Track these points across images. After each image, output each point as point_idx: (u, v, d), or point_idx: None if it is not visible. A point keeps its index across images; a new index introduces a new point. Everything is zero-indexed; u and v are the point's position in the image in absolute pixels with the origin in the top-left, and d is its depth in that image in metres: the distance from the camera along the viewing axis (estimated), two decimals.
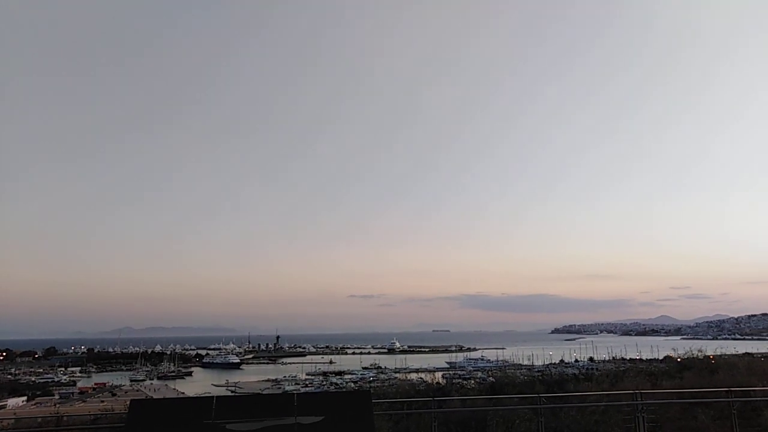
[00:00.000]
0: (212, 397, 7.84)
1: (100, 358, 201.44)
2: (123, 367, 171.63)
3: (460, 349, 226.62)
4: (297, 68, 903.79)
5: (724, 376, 14.34)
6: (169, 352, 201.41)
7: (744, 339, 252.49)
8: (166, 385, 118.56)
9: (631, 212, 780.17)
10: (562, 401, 12.56)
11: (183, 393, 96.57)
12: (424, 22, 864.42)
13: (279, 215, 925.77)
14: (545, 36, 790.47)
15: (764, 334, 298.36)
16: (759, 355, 31.92)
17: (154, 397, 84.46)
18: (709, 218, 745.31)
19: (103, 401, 72.59)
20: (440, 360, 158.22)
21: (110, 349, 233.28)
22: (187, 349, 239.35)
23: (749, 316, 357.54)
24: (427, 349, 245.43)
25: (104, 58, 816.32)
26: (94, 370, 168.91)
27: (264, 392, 74.36)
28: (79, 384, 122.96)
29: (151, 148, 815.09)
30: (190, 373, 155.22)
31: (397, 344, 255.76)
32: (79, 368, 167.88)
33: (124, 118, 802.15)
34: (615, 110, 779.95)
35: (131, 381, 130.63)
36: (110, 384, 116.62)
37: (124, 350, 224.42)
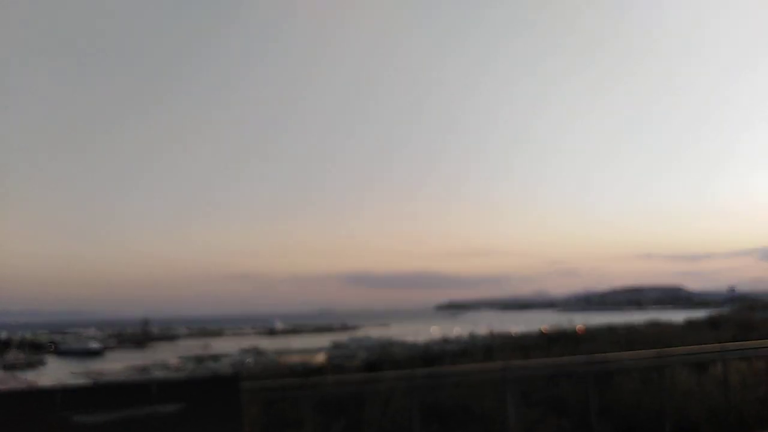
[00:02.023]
0: (58, 387, 6.75)
1: None
2: None
3: (345, 328, 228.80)
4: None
5: (586, 346, 15.63)
6: (17, 339, 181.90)
7: (608, 311, 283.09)
8: (13, 375, 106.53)
9: (508, 191, 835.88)
10: (438, 377, 12.81)
11: (35, 384, 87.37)
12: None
13: (136, 183, 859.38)
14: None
15: (625, 305, 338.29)
16: (620, 326, 36.01)
17: (3, 389, 75.36)
18: (577, 197, 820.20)
19: None
20: (325, 340, 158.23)
21: None
22: (38, 335, 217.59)
23: (613, 290, 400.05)
24: (310, 329, 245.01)
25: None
26: None
27: (134, 379, 69.42)
28: None
29: None
30: (43, 362, 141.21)
31: (279, 324, 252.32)
32: None
33: None
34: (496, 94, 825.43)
35: None
36: None
37: None
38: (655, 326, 31.48)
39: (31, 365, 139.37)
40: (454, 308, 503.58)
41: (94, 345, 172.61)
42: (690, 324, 24.97)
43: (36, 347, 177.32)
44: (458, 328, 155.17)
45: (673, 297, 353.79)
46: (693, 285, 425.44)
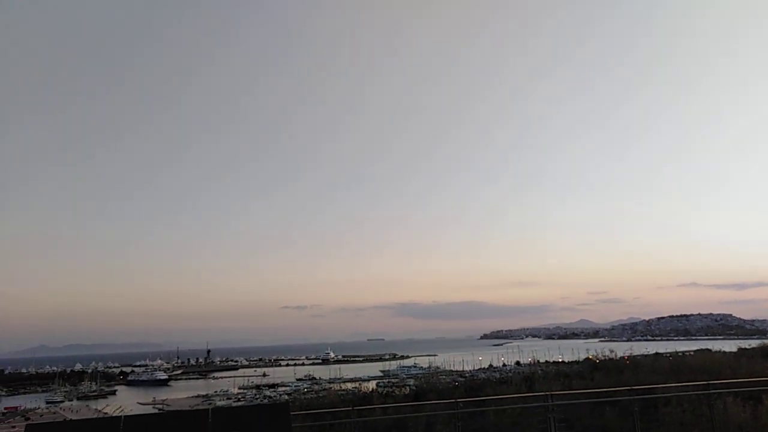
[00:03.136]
0: (120, 416, 7.56)
1: (11, 380, 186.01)
2: (38, 389, 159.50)
3: (394, 357, 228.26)
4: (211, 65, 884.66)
5: (629, 375, 15.39)
6: (90, 371, 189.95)
7: (654, 340, 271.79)
8: (87, 405, 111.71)
9: (546, 222, 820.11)
10: (480, 405, 13.04)
11: (106, 413, 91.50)
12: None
13: (206, 226, 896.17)
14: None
15: (672, 334, 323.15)
16: (666, 354, 34.35)
17: (74, 419, 79.40)
18: (617, 227, 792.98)
19: (14, 426, 67.29)
20: (374, 369, 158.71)
21: (23, 370, 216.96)
22: (110, 367, 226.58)
23: (658, 318, 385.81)
24: (361, 359, 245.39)
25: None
26: (4, 393, 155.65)
27: (194, 408, 71.61)
28: None
29: (86, 164, 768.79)
30: (113, 392, 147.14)
31: (332, 354, 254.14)
32: None
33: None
34: (531, 124, 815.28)
35: (47, 403, 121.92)
36: (23, 407, 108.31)
37: (39, 370, 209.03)
38: (704, 355, 30.07)
39: (102, 395, 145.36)
40: (499, 337, 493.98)
41: (161, 375, 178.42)
42: (742, 353, 23.63)
43: (108, 378, 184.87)
44: (502, 357, 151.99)
45: (723, 325, 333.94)
46: (743, 313, 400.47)
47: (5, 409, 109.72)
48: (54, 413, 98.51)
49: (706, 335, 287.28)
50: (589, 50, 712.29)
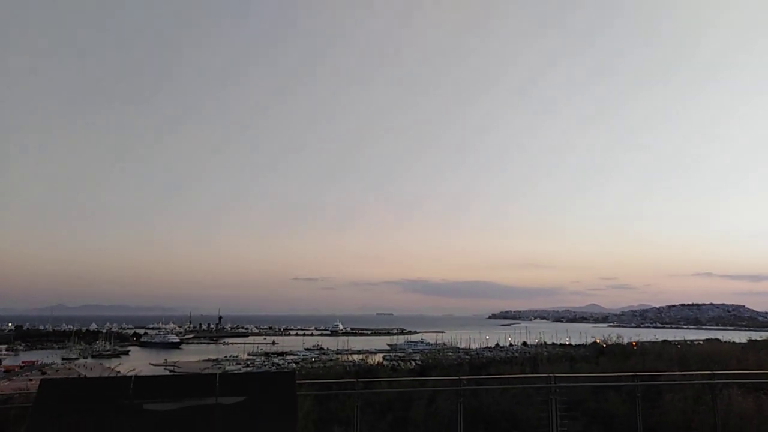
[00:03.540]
0: (130, 376, 7.75)
1: (29, 335, 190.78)
2: (55, 346, 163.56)
3: (402, 332, 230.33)
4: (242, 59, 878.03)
5: (636, 361, 15.41)
6: (105, 331, 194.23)
7: (664, 327, 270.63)
8: (101, 363, 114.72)
9: (562, 206, 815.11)
10: (482, 383, 13.16)
11: (118, 372, 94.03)
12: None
13: (224, 197, 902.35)
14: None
15: (681, 322, 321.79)
16: (675, 342, 34.23)
17: (88, 375, 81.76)
18: (632, 214, 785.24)
19: (31, 380, 69.37)
20: (382, 342, 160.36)
21: (41, 327, 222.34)
22: (124, 328, 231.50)
23: (669, 306, 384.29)
24: (369, 332, 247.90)
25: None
26: (22, 348, 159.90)
27: (204, 371, 73.29)
28: (5, 362, 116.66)
29: (106, 129, 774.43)
30: (126, 352, 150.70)
31: (341, 326, 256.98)
32: (5, 346, 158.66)
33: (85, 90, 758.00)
34: (547, 107, 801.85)
35: (63, 359, 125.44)
36: (40, 362, 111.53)
37: (56, 328, 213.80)
38: (712, 345, 29.91)
39: (116, 354, 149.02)
40: (507, 318, 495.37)
41: (173, 338, 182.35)
42: (752, 344, 23.46)
43: (121, 338, 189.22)
44: (509, 337, 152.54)
45: (735, 316, 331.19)
46: (757, 305, 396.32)
47: (23, 362, 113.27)
48: (69, 369, 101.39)
49: (717, 325, 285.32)
50: (615, 33, 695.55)
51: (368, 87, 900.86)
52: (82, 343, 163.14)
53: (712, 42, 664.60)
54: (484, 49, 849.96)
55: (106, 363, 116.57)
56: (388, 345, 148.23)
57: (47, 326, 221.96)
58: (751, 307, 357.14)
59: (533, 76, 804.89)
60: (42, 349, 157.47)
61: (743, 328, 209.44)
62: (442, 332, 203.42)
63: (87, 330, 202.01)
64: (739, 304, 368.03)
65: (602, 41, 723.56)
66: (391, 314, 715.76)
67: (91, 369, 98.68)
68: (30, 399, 7.67)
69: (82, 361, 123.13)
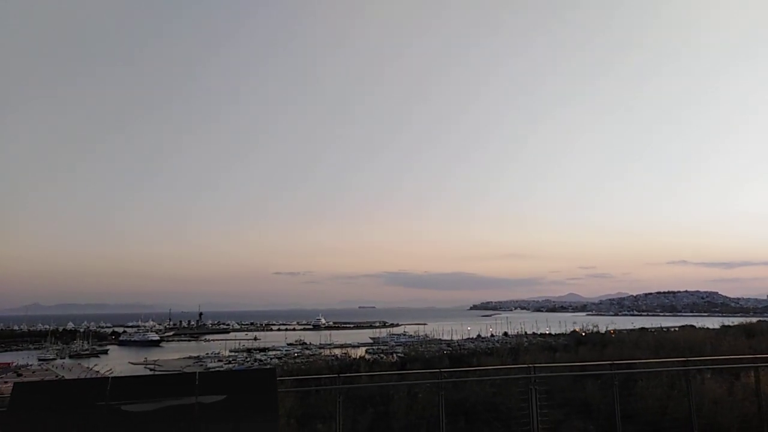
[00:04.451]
0: (107, 377, 7.61)
1: (3, 336, 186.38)
2: (31, 346, 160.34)
3: (384, 325, 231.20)
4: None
5: (613, 350, 15.73)
6: (82, 330, 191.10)
7: (641, 315, 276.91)
8: (79, 363, 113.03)
9: (541, 196, 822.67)
10: (464, 375, 13.28)
11: (97, 372, 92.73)
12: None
13: (198, 189, 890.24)
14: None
15: (658, 309, 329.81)
16: (652, 330, 35.04)
17: (66, 376, 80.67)
18: (609, 204, 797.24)
19: (6, 382, 68.09)
20: (365, 336, 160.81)
21: (16, 327, 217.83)
22: (102, 327, 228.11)
23: (646, 294, 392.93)
24: (352, 325, 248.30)
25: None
26: None
27: (185, 370, 72.73)
28: None
29: (75, 123, 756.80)
30: (105, 352, 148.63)
31: (323, 320, 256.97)
32: None
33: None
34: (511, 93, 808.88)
35: (39, 360, 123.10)
36: (15, 364, 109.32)
37: (31, 328, 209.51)
38: (687, 332, 30.67)
39: (94, 354, 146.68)
40: (488, 308, 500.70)
41: (153, 336, 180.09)
42: (725, 330, 24.17)
43: (100, 337, 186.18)
44: (490, 328, 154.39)
45: (709, 303, 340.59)
46: (729, 292, 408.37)
47: None
48: (46, 370, 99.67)
49: (692, 312, 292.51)
50: (618, 25, 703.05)
51: (340, 78, 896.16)
52: (59, 343, 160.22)
53: (704, 48, 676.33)
54: (428, 48, 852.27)
55: (85, 363, 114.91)
56: (371, 338, 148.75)
57: (22, 326, 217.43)
58: (724, 294, 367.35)
59: (495, 67, 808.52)
60: (17, 350, 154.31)
61: (717, 314, 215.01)
62: (425, 324, 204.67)
63: (64, 329, 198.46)
64: (712, 290, 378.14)
65: (609, 34, 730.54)
66: (374, 307, 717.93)
67: (69, 369, 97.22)
68: (3, 404, 7.47)
69: (59, 361, 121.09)
